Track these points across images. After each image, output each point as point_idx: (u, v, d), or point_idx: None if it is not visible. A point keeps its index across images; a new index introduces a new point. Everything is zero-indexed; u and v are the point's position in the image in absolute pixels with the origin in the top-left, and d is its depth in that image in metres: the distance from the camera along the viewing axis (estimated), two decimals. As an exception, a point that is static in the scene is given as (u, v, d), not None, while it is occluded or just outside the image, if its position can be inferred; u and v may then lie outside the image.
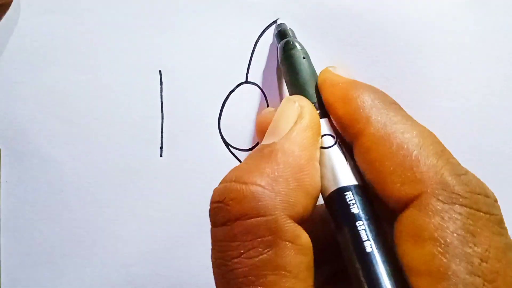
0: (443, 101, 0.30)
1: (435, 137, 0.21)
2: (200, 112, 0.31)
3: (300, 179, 0.20)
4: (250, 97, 0.31)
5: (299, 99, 0.23)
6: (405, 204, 0.19)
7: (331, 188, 0.21)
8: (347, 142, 0.22)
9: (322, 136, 0.22)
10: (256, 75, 0.31)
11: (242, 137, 0.31)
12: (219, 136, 0.31)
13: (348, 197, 0.20)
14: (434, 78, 0.30)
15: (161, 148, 0.31)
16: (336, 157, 0.22)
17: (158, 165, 0.31)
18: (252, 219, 0.18)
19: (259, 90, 0.31)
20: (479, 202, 0.19)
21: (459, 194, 0.19)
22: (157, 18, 0.31)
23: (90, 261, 0.32)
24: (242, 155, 0.31)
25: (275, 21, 0.30)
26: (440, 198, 0.19)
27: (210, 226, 0.20)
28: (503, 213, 0.30)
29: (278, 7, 0.31)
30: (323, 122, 0.23)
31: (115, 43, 0.31)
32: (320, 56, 0.31)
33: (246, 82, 0.31)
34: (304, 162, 0.20)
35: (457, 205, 0.19)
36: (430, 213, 0.18)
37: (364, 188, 0.21)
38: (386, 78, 0.31)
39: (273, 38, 0.30)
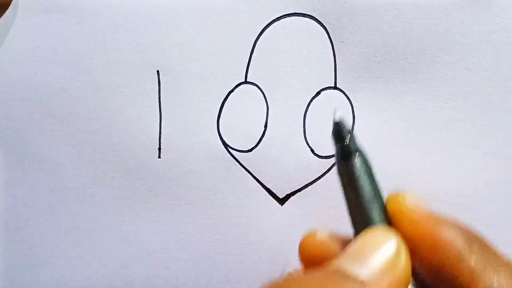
0: (444, 102, 0.30)
1: None
2: (199, 112, 0.31)
3: None
4: (249, 97, 0.31)
5: (399, 243, 0.19)
6: None
7: None
8: None
9: None
10: (255, 75, 0.31)
11: (242, 139, 0.31)
12: (218, 137, 0.31)
13: None
14: (435, 78, 0.30)
15: (159, 149, 0.31)
16: None
17: (156, 167, 0.31)
18: None
19: (259, 91, 0.31)
20: None
21: None
22: (154, 17, 0.31)
23: (89, 262, 0.32)
24: (242, 157, 0.31)
25: (334, 115, 0.24)
26: None
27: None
28: (503, 214, 0.30)
29: (277, 6, 0.30)
30: None
31: (112, 43, 0.31)
32: (319, 56, 0.31)
33: (245, 82, 0.31)
34: None
35: None
36: None
37: None
38: (386, 78, 0.30)
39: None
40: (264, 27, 0.31)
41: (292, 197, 0.31)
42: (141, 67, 0.31)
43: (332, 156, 0.31)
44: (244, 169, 0.31)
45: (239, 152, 0.31)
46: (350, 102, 0.31)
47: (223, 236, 0.31)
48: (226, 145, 0.31)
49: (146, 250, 0.31)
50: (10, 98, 0.31)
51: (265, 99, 0.31)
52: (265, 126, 0.31)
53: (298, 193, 0.31)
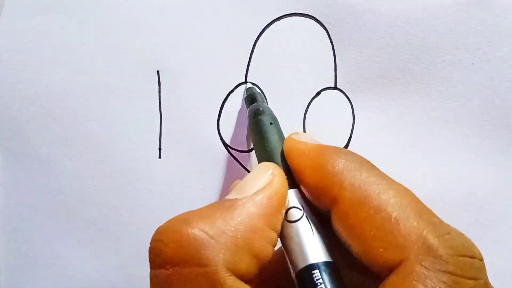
0: (444, 102, 0.30)
1: (413, 194, 0.21)
2: (199, 113, 0.31)
3: (250, 240, 0.19)
4: (249, 97, 0.31)
5: (274, 168, 0.22)
6: (389, 270, 0.19)
7: (300, 265, 0.20)
8: (321, 212, 0.22)
9: (290, 208, 0.22)
10: (255, 75, 0.31)
11: (242, 138, 0.31)
12: (218, 137, 0.31)
13: (315, 276, 0.20)
14: (436, 79, 0.30)
15: (160, 149, 0.31)
16: (304, 231, 0.21)
17: (157, 167, 0.31)
18: (192, 268, 0.18)
19: (259, 91, 0.31)
20: (464, 267, 0.18)
21: (443, 259, 0.18)
22: (154, 17, 0.31)
23: (88, 262, 0.32)
24: (242, 157, 0.31)
25: (246, 84, 0.30)
26: (423, 264, 0.18)
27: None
28: (503, 214, 0.30)
29: (277, 6, 0.30)
30: (292, 193, 0.22)
31: (112, 43, 0.31)
32: (319, 56, 0.30)
33: (246, 82, 0.31)
34: (260, 226, 0.20)
35: (441, 272, 0.18)
36: (414, 281, 0.18)
37: (334, 264, 0.20)
38: (388, 78, 0.30)
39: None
40: (264, 27, 0.31)
41: (292, 197, 0.31)
42: (141, 67, 0.31)
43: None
44: (244, 169, 0.31)
45: (239, 152, 0.31)
46: (350, 102, 0.31)
47: (223, 236, 0.31)
48: (226, 145, 0.31)
49: (145, 251, 0.31)
50: (10, 98, 0.31)
51: (266, 99, 0.31)
52: (265, 126, 0.31)
53: (298, 193, 0.31)
